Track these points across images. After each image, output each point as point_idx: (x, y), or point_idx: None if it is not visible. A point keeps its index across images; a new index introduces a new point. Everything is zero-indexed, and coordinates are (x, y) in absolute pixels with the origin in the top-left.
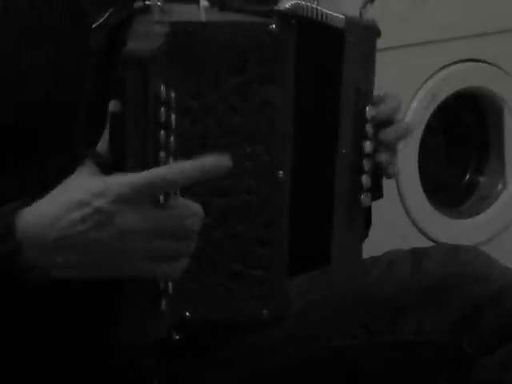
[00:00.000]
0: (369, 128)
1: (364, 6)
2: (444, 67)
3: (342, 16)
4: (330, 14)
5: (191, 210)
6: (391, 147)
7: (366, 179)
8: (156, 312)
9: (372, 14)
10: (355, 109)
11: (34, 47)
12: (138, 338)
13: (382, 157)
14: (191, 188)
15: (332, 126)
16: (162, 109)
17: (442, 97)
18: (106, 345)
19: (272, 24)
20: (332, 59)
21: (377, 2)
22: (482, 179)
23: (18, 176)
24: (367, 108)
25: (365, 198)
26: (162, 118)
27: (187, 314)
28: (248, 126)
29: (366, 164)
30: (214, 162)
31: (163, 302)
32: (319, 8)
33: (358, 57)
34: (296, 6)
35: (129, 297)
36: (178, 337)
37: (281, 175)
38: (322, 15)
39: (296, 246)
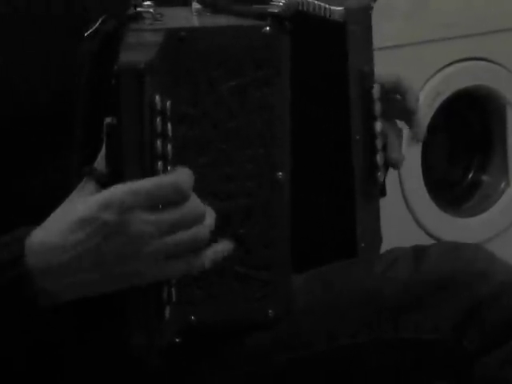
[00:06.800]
0: (377, 107)
1: None
2: (447, 66)
3: (340, 8)
4: (329, 8)
5: (199, 209)
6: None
7: (379, 157)
8: (161, 322)
9: (375, 12)
10: (362, 92)
11: (30, 58)
12: (144, 350)
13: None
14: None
15: (343, 114)
16: (158, 119)
17: (445, 95)
18: (111, 350)
19: (266, 27)
20: (336, 52)
21: (380, 0)
22: (485, 178)
23: (17, 188)
24: (373, 89)
25: (380, 174)
26: (159, 128)
27: (192, 318)
28: (246, 129)
29: (379, 143)
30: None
31: (167, 311)
32: (316, 2)
33: (358, 41)
34: (289, 4)
35: (132, 310)
36: (178, 340)
37: (280, 176)
38: (319, 9)
39: (320, 235)
